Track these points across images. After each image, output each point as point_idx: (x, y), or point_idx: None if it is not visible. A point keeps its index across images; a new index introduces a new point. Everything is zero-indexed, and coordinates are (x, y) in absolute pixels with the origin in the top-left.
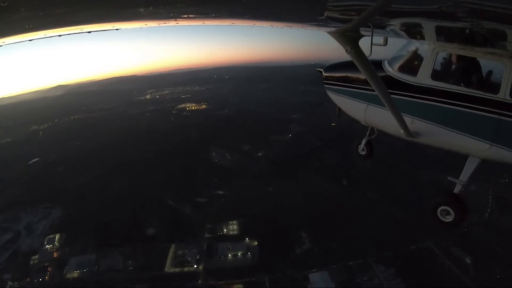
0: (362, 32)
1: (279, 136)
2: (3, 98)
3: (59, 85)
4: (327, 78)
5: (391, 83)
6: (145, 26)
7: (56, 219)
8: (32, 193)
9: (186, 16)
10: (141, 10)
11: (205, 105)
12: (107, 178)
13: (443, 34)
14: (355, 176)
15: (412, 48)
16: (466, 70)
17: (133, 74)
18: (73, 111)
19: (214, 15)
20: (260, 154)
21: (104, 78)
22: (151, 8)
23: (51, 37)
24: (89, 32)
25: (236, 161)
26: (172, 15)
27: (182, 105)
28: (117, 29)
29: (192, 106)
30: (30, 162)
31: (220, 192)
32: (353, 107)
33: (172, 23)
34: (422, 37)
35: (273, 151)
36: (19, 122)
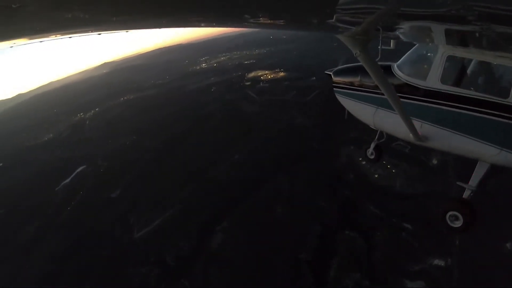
0: (371, 36)
1: None
2: (49, 84)
3: (104, 63)
4: (336, 81)
5: (400, 86)
6: (152, 28)
7: None
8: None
9: (195, 19)
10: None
11: (282, 72)
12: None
13: (452, 38)
14: None
15: (421, 51)
16: (476, 74)
17: (178, 43)
18: (122, 91)
19: (220, 18)
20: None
21: (149, 51)
22: (157, 14)
23: (62, 38)
24: (99, 34)
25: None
26: (178, 19)
27: (253, 74)
28: (126, 31)
29: (267, 75)
30: (71, 176)
31: None
32: (362, 111)
33: (172, 26)
34: (432, 41)
35: None
36: (64, 109)
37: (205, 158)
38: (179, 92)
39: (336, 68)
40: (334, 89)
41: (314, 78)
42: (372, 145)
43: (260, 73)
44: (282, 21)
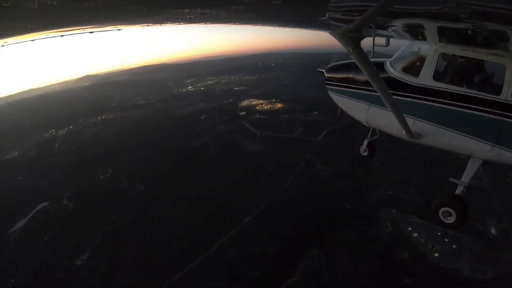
0: (364, 33)
1: None
2: (29, 91)
3: (86, 75)
4: (328, 79)
5: (393, 84)
6: (147, 26)
7: None
8: None
9: (188, 17)
10: (144, 10)
11: (279, 103)
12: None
13: (445, 35)
14: None
15: (414, 49)
16: (468, 71)
17: (163, 62)
18: (102, 108)
19: (216, 17)
20: None
21: (134, 67)
22: (154, 9)
23: (53, 37)
24: (91, 32)
25: None
26: (174, 15)
27: (246, 102)
28: (119, 30)
29: (263, 105)
30: (29, 216)
31: None
32: (355, 108)
33: (174, 24)
34: (424, 38)
35: None
36: (37, 122)
37: (203, 218)
38: (164, 116)
39: (329, 65)
40: (327, 86)
41: (317, 112)
42: (365, 142)
43: (254, 102)
44: (276, 18)
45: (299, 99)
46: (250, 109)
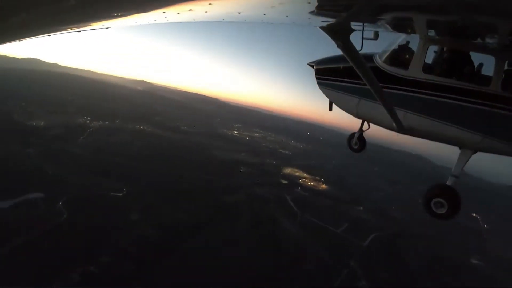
0: (353, 27)
1: None
2: (87, 71)
3: (143, 81)
4: (318, 72)
5: (382, 77)
6: (136, 24)
7: None
8: None
9: (176, 13)
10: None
11: (323, 184)
12: None
13: (434, 28)
14: None
15: (403, 42)
16: (457, 63)
17: (216, 97)
18: (143, 117)
19: (205, 11)
20: None
21: (188, 91)
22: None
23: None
24: (79, 31)
25: None
26: (162, 10)
27: (289, 170)
28: (107, 28)
29: (307, 180)
30: (17, 200)
31: None
32: (345, 102)
33: (162, 20)
34: (413, 31)
35: None
36: (78, 103)
37: None
38: (202, 152)
39: (318, 59)
40: (317, 80)
41: (362, 208)
42: (356, 135)
43: (297, 173)
44: (264, 12)
45: (344, 186)
46: (293, 180)
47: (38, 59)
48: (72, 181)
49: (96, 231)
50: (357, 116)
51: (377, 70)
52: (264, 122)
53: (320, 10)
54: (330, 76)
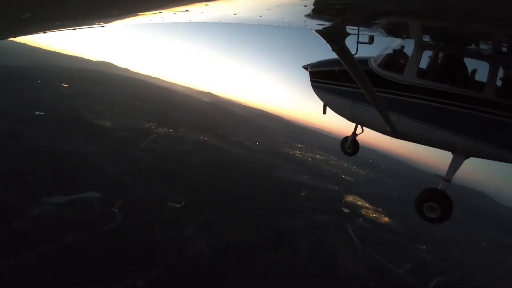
0: (349, 31)
1: None
2: (156, 78)
3: (209, 92)
4: (313, 75)
5: (377, 81)
6: (131, 23)
7: None
8: None
9: (172, 13)
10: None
11: (386, 216)
12: None
13: (429, 33)
14: None
15: (398, 46)
16: (452, 68)
17: (279, 114)
18: (207, 128)
19: (201, 12)
20: None
21: (252, 106)
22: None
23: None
24: (74, 29)
25: None
26: (158, 10)
27: (351, 198)
28: (102, 26)
29: (369, 211)
30: (74, 196)
31: None
32: (339, 105)
33: (158, 20)
34: (408, 36)
35: None
36: (145, 108)
37: None
38: (264, 170)
39: (313, 62)
40: (312, 83)
41: (424, 247)
42: (350, 139)
43: (359, 202)
44: (260, 14)
45: (406, 220)
46: (355, 210)
47: (111, 63)
48: (131, 185)
49: (148, 242)
50: (350, 119)
51: (371, 74)
52: (325, 143)
53: (316, 13)
54: (325, 79)
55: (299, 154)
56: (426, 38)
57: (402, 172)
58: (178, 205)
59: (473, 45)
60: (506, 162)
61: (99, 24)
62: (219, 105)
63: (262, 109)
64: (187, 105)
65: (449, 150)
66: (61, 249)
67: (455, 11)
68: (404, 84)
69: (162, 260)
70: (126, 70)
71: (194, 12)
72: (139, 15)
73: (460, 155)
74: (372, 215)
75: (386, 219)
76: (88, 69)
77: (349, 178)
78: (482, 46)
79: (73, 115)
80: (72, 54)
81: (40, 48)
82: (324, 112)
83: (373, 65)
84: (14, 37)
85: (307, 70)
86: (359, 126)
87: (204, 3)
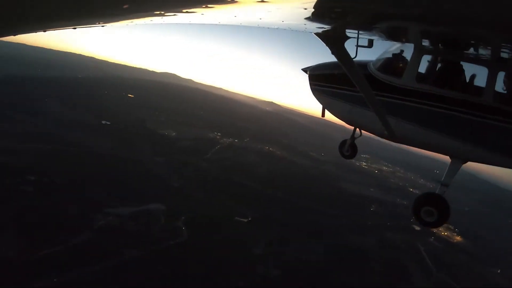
0: (348, 34)
1: None
2: (220, 89)
3: (271, 102)
4: (312, 78)
5: (376, 84)
6: (131, 23)
7: None
8: None
9: (172, 14)
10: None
11: (459, 235)
12: None
13: (428, 38)
14: None
15: (397, 50)
16: (451, 73)
17: (342, 124)
18: (271, 138)
19: (201, 13)
20: None
21: (314, 116)
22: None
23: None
24: (74, 28)
25: None
26: (158, 10)
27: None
28: (102, 26)
29: (440, 229)
30: (138, 208)
31: None
32: (338, 108)
33: (158, 20)
34: (408, 40)
35: None
36: (209, 118)
37: None
38: (331, 183)
39: (313, 65)
40: (310, 86)
41: (499, 271)
42: (348, 142)
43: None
44: (260, 16)
45: (479, 239)
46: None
47: (175, 74)
48: (196, 197)
49: (215, 260)
50: (349, 123)
51: (370, 78)
52: (390, 154)
53: (316, 16)
54: (324, 83)
55: (365, 165)
56: (426, 43)
57: (471, 185)
58: (245, 220)
59: (472, 50)
60: (505, 167)
61: (99, 23)
62: (281, 115)
63: (326, 118)
64: (250, 114)
65: (447, 155)
66: (124, 265)
67: (454, 16)
68: (403, 88)
69: (230, 283)
70: (190, 80)
71: (195, 14)
72: (139, 15)
73: (458, 159)
74: (444, 233)
75: (458, 237)
76: (152, 80)
77: (418, 191)
78: (481, 51)
79: (138, 124)
80: (137, 66)
81: (107, 61)
82: (323, 115)
83: (372, 69)
84: (14, 35)
85: (307, 73)
86: (357, 130)
87: (204, 5)
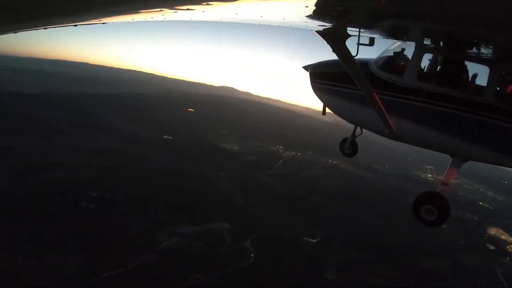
0: (349, 32)
1: None
2: (276, 101)
3: (330, 112)
4: (313, 76)
5: (377, 83)
6: (132, 20)
7: None
8: None
9: (173, 11)
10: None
11: None
12: None
13: (429, 36)
14: None
15: (398, 49)
16: (452, 72)
17: None
18: (333, 150)
19: (202, 11)
20: None
21: None
22: None
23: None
24: (75, 25)
25: None
26: (159, 8)
27: (494, 231)
28: (103, 23)
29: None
30: (201, 227)
31: None
32: (339, 106)
33: (159, 17)
34: (409, 38)
35: None
36: (269, 131)
37: None
38: (398, 197)
39: (314, 63)
40: (311, 84)
41: None
42: (349, 140)
43: (504, 236)
44: (262, 14)
45: None
46: (500, 245)
47: (233, 88)
48: (262, 215)
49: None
50: (349, 121)
51: (371, 76)
52: (443, 160)
53: (317, 14)
54: (325, 80)
55: (430, 177)
56: (427, 41)
57: None
58: (314, 240)
59: (473, 49)
60: (505, 166)
61: (99, 20)
62: (341, 125)
63: None
64: (310, 126)
65: (448, 154)
66: None
67: (455, 14)
68: (404, 86)
69: None
70: (248, 93)
71: (196, 11)
72: (140, 12)
73: (459, 158)
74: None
75: None
76: (212, 94)
77: (488, 205)
78: (482, 50)
79: (200, 139)
80: (195, 81)
81: (166, 77)
82: (324, 113)
83: (374, 67)
84: (15, 32)
85: (307, 71)
86: (358, 128)
87: (205, 2)
